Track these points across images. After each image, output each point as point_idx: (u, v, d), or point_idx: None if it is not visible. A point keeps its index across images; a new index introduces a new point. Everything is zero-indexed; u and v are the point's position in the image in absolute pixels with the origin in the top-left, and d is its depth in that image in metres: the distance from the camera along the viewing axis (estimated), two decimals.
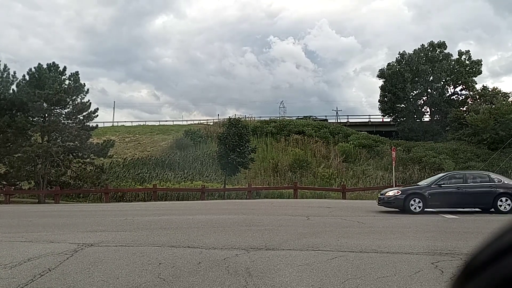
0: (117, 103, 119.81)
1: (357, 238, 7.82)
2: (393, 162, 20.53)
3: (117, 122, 55.56)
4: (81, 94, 24.10)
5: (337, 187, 29.49)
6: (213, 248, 7.06)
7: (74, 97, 23.77)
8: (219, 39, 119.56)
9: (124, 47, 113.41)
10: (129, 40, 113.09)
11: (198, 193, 23.68)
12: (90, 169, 24.02)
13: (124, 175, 29.49)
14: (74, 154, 24.15)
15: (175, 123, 53.99)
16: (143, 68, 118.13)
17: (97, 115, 24.48)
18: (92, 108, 24.44)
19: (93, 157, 24.33)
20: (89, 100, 24.39)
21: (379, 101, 47.09)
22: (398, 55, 47.31)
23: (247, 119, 43.11)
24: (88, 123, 24.53)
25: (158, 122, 54.24)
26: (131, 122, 55.33)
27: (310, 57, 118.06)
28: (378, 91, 47.92)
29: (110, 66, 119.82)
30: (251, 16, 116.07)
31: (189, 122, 53.43)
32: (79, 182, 23.74)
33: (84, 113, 24.14)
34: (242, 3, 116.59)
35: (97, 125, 25.90)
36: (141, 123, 53.74)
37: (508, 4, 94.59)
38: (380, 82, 47.64)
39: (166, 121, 56.17)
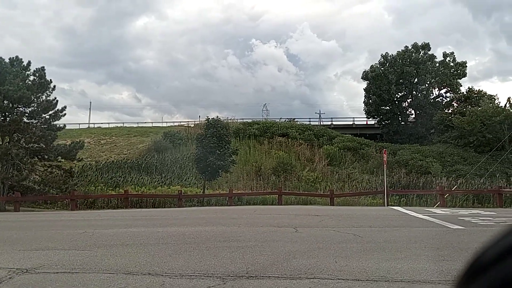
0: (98, 106, 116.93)
1: (358, 258, 6.43)
2: (384, 165, 19.35)
3: (93, 123, 53.25)
4: (47, 91, 22.13)
5: (323, 191, 28.30)
6: (179, 275, 5.56)
7: (39, 95, 21.80)
8: (201, 41, 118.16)
9: (105, 48, 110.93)
10: (110, 41, 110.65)
11: (176, 199, 22.05)
12: (57, 173, 22.06)
13: (96, 179, 27.58)
14: (40, 156, 22.16)
15: (154, 124, 52.05)
16: (124, 70, 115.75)
17: (65, 114, 22.65)
18: (59, 106, 22.54)
19: (60, 159, 22.38)
20: (55, 98, 22.47)
21: (364, 103, 46.32)
22: (381, 57, 46.64)
23: (229, 120, 41.62)
24: (54, 123, 22.58)
25: (137, 124, 52.17)
26: (108, 123, 53.09)
27: (292, 61, 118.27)
28: (359, 95, 47.71)
29: (90, 68, 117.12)
30: (233, 19, 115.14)
31: (169, 124, 51.59)
32: (45, 187, 21.76)
33: (50, 112, 22.19)
34: (224, 5, 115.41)
35: (64, 125, 23.92)
36: (119, 125, 51.59)
37: (486, 10, 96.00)
38: (362, 85, 47.15)
39: (145, 122, 54.08)
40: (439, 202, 19.87)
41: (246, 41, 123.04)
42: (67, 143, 24.03)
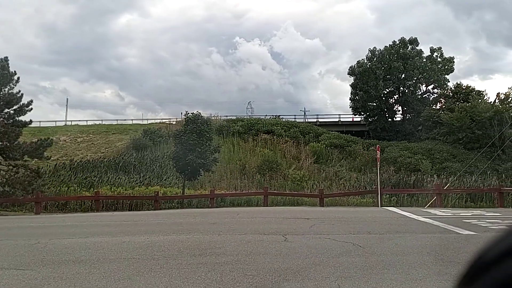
0: (80, 104, 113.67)
1: (366, 279, 5.15)
2: (378, 162, 18.24)
3: (71, 121, 51.12)
4: (10, 84, 20.29)
5: (310, 190, 27.18)
6: None
7: (1, 87, 19.94)
8: (184, 39, 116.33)
9: (87, 46, 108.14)
10: (92, 39, 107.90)
11: (153, 201, 20.55)
12: (23, 173, 20.28)
13: (69, 179, 25.82)
14: (4, 155, 20.32)
15: (134, 122, 50.16)
16: (106, 67, 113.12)
17: (31, 109, 20.84)
18: (25, 100, 20.68)
19: (26, 158, 20.59)
20: (20, 91, 20.65)
21: (350, 99, 45.45)
22: (369, 52, 45.77)
23: (212, 117, 40.18)
24: (19, 118, 20.77)
25: (116, 121, 50.16)
26: (86, 121, 50.98)
27: (276, 59, 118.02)
28: (343, 93, 47.24)
29: (72, 66, 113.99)
30: (217, 16, 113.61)
31: (150, 121, 49.80)
32: (10, 188, 19.96)
33: (14, 106, 20.36)
34: (207, 2, 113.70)
35: (30, 120, 21.97)
36: (97, 122, 49.53)
37: (467, 9, 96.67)
38: (346, 84, 46.62)
39: (125, 120, 52.02)
40: (432, 200, 18.88)
41: (230, 39, 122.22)
42: (34, 141, 22.18)
